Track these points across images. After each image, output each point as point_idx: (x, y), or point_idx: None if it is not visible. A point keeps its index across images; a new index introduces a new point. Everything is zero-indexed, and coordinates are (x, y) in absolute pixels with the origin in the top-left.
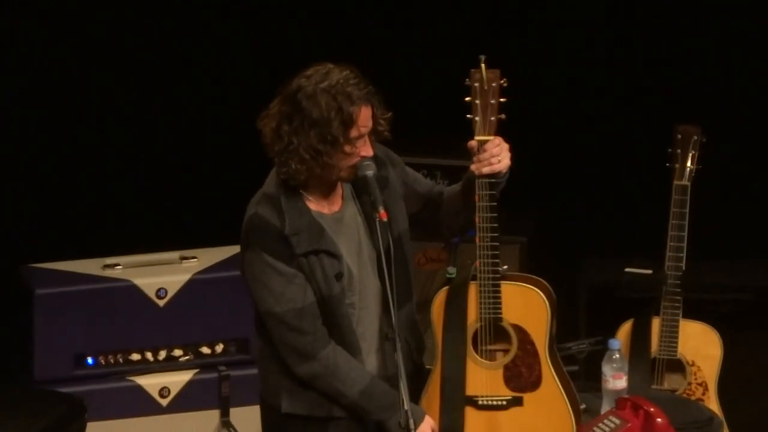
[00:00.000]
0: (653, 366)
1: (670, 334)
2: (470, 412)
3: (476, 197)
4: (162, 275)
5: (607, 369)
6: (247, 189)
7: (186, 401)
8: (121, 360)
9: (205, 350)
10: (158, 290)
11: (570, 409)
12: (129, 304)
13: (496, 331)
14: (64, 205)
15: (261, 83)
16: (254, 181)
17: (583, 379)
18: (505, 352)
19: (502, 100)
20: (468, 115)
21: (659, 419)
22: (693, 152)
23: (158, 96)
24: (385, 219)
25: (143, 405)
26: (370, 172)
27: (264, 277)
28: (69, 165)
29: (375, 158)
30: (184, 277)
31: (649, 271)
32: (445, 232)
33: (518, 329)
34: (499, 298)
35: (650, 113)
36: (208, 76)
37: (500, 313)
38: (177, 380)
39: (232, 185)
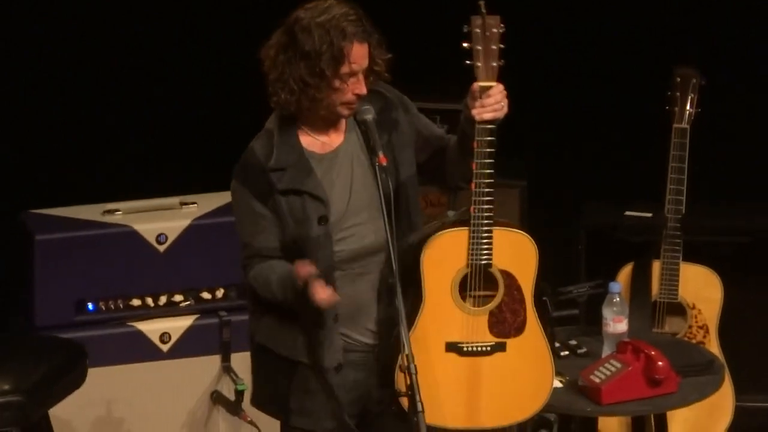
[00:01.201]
0: (654, 309)
1: (671, 277)
2: (453, 358)
3: (475, 143)
4: (162, 221)
5: (607, 312)
6: (247, 134)
7: (187, 347)
8: (121, 306)
9: (206, 295)
10: (158, 236)
11: (551, 353)
12: (129, 249)
13: (484, 276)
14: (64, 151)
15: (261, 27)
16: (255, 125)
17: (583, 323)
18: (491, 297)
19: (501, 46)
20: (467, 61)
21: (660, 362)
22: (692, 95)
23: (157, 40)
24: (384, 163)
25: (144, 351)
26: (369, 116)
27: (237, 209)
28: (69, 110)
29: (386, 100)
30: (184, 223)
31: (649, 215)
32: (450, 182)
33: (506, 274)
34: (491, 244)
35: (649, 56)
36: (206, 20)
37: (491, 259)
38: (178, 326)
39: (232, 130)
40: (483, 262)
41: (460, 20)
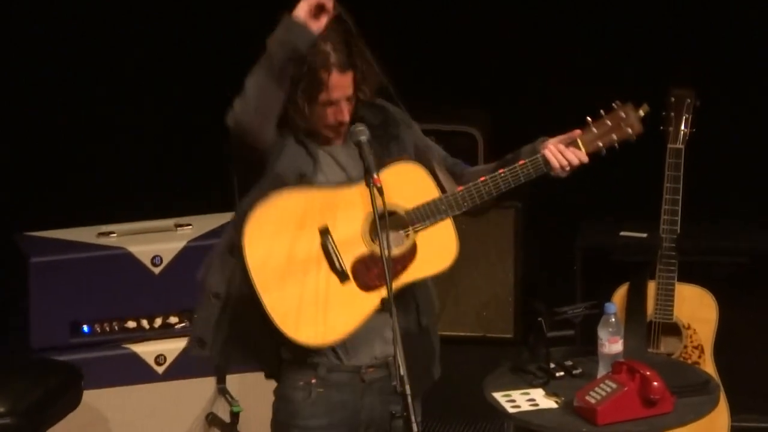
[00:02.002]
0: (649, 330)
1: (666, 298)
2: (312, 239)
3: (522, 161)
4: (157, 243)
5: (603, 333)
6: None
7: (182, 368)
8: (116, 328)
9: None
10: (153, 258)
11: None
12: (124, 271)
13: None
14: (59, 173)
15: (256, 45)
16: None
17: (579, 344)
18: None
19: (618, 145)
20: (589, 118)
21: (655, 383)
22: (687, 115)
23: (151, 61)
24: (380, 185)
25: (139, 373)
26: (364, 138)
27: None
28: (63, 132)
29: (387, 113)
30: (179, 245)
31: (644, 235)
32: None
33: (413, 250)
34: (436, 221)
35: (644, 76)
36: (200, 40)
37: (422, 229)
38: (173, 347)
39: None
40: (415, 224)
41: (458, 38)
